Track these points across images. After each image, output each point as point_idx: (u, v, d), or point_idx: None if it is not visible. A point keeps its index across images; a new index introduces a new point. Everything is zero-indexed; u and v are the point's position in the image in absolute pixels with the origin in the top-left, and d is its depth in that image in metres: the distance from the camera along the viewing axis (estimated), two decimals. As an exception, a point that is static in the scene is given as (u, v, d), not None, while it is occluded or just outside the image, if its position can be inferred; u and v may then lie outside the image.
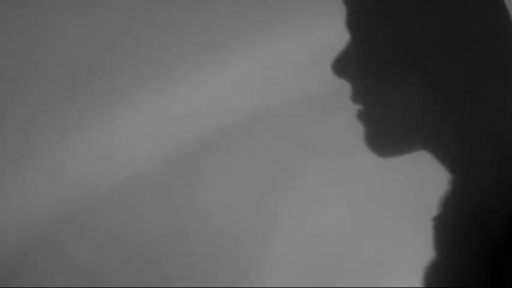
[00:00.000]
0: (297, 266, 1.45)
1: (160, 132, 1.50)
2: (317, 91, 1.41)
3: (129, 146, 1.49)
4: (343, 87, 0.90)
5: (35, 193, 1.48)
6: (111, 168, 1.48)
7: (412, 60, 0.87)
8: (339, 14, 0.92)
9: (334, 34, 0.91)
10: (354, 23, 0.90)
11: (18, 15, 1.51)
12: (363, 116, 0.88)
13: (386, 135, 0.87)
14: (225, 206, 1.46)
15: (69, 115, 1.49)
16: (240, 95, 1.50)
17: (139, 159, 1.49)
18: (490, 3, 0.89)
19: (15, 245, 1.47)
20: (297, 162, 1.46)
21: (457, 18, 0.87)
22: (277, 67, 1.49)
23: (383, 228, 1.40)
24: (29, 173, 1.48)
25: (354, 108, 0.89)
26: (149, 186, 1.47)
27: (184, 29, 1.51)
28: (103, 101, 1.49)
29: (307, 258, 1.44)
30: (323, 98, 1.39)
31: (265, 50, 1.50)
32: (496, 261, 0.81)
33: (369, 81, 0.88)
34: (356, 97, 0.88)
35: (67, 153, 1.48)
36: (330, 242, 1.43)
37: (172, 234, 1.44)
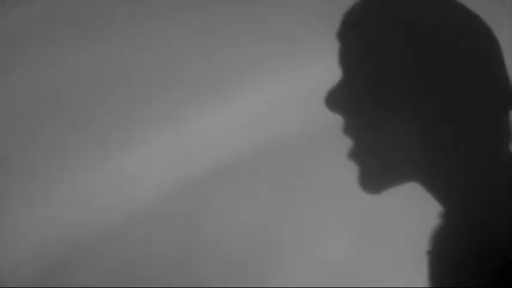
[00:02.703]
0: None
1: (170, 167, 1.52)
2: (318, 125, 1.42)
3: (140, 179, 1.52)
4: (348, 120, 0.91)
5: (49, 223, 1.51)
6: (122, 200, 1.51)
7: (405, 92, 0.88)
8: (335, 50, 0.94)
9: (331, 69, 0.92)
10: (347, 57, 0.91)
11: (29, 56, 1.55)
12: (355, 152, 0.89)
13: (379, 169, 0.88)
14: (232, 235, 1.48)
15: (81, 151, 1.53)
16: (247, 131, 1.52)
17: (150, 191, 1.52)
18: (486, 36, 0.90)
19: (29, 272, 1.49)
20: (300, 193, 1.48)
21: (452, 50, 0.88)
22: (279, 104, 1.52)
23: (382, 257, 1.41)
24: (43, 204, 1.51)
25: (350, 141, 0.90)
26: (159, 217, 1.50)
27: (191, 68, 1.55)
28: (113, 136, 1.52)
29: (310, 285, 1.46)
30: (324, 132, 1.41)
31: (269, 88, 1.53)
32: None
33: (361, 115, 0.89)
34: (348, 130, 0.89)
35: (79, 186, 1.51)
36: (332, 271, 1.44)
37: (181, 261, 1.46)
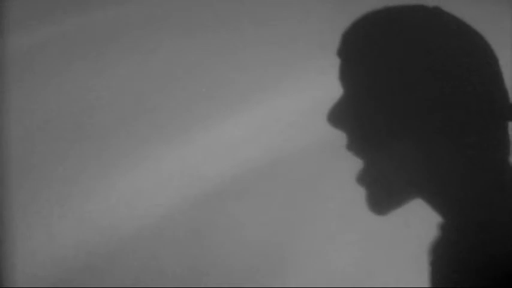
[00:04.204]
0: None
1: (178, 181, 1.54)
2: (323, 140, 1.43)
3: (149, 195, 1.54)
4: (350, 136, 0.92)
5: (63, 238, 1.52)
6: (132, 216, 1.53)
7: (407, 109, 0.88)
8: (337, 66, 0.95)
9: (333, 86, 0.92)
10: (348, 74, 0.91)
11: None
12: (361, 177, 0.89)
13: (382, 188, 0.88)
14: (240, 251, 1.49)
15: (93, 167, 1.54)
16: (255, 145, 1.54)
17: (158, 207, 1.53)
18: (484, 51, 0.90)
19: (43, 286, 1.50)
20: (306, 207, 1.49)
21: (453, 67, 0.88)
22: (288, 119, 1.53)
23: (387, 267, 1.42)
24: (57, 220, 1.53)
25: (353, 157, 0.90)
26: (168, 231, 1.51)
27: (202, 82, 1.57)
28: (124, 152, 1.54)
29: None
30: (329, 146, 1.42)
31: (277, 104, 1.54)
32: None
33: (363, 132, 0.89)
34: (351, 146, 0.90)
35: (91, 202, 1.53)
36: (337, 279, 1.45)
37: (189, 276, 1.48)
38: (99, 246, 1.50)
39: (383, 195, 0.89)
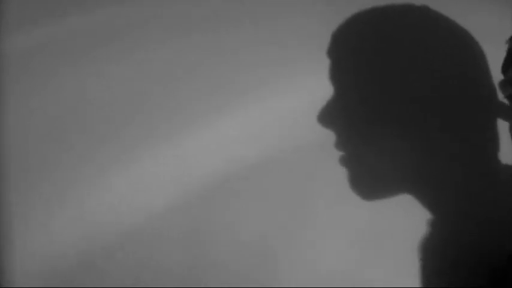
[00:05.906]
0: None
1: (176, 180, 1.54)
2: (321, 139, 1.44)
3: (147, 194, 1.54)
4: (341, 135, 0.91)
5: (62, 238, 1.53)
6: (131, 215, 1.53)
7: (399, 108, 0.88)
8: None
9: (330, 89, 0.92)
10: (337, 75, 0.91)
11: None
12: (347, 163, 0.89)
13: (370, 179, 0.88)
14: (240, 245, 1.49)
15: (91, 166, 1.55)
16: (252, 144, 1.54)
17: (156, 204, 1.54)
18: (472, 49, 0.90)
19: (43, 286, 1.51)
20: (299, 204, 1.49)
21: (444, 65, 0.88)
22: (285, 118, 1.54)
23: (378, 264, 1.42)
24: (56, 220, 1.54)
25: (341, 154, 0.90)
26: (164, 229, 1.52)
27: (200, 81, 1.57)
28: (121, 151, 1.55)
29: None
30: (327, 145, 1.42)
31: (275, 103, 1.55)
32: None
33: (352, 130, 0.89)
34: (340, 144, 0.90)
35: (90, 202, 1.53)
36: (329, 278, 1.46)
37: (187, 276, 1.48)
38: (98, 246, 1.51)
39: (372, 185, 0.89)
